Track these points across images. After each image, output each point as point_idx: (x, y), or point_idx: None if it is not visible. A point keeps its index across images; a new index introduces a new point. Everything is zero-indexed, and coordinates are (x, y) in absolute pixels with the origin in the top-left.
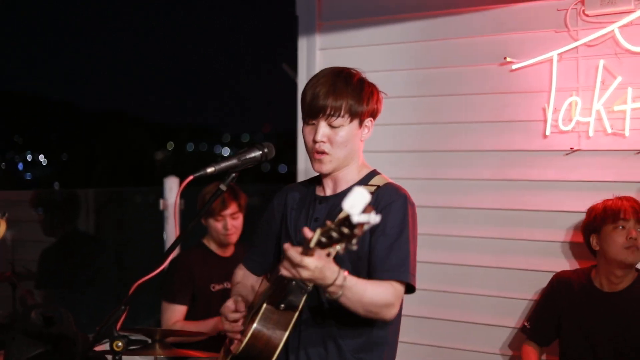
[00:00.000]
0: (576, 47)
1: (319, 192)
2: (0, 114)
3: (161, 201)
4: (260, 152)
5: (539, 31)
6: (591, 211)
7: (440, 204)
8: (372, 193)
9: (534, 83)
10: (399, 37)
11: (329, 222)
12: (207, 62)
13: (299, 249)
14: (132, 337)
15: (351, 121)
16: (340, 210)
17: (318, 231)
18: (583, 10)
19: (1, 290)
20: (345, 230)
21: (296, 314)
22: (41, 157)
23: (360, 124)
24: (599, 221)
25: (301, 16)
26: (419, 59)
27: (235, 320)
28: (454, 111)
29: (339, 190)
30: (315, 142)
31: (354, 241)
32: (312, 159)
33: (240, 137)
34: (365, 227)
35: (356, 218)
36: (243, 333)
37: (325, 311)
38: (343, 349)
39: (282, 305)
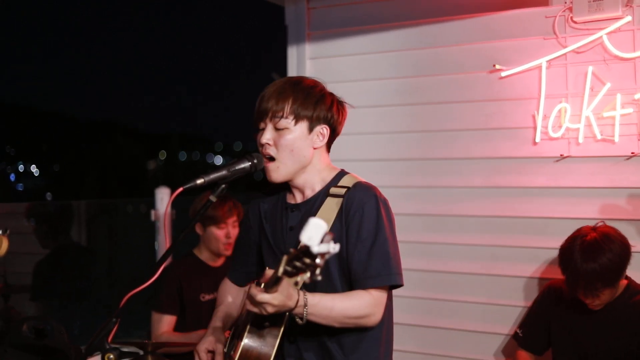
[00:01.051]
0: (565, 54)
1: (290, 199)
2: None
3: (152, 212)
4: (250, 163)
5: (528, 38)
6: (560, 253)
7: (430, 211)
8: (342, 196)
9: (523, 90)
10: (388, 45)
11: (292, 250)
12: (198, 70)
13: (259, 288)
14: (124, 349)
15: (296, 123)
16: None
17: (284, 259)
18: (571, 17)
19: None
20: (308, 260)
21: (282, 329)
22: (33, 168)
23: (310, 129)
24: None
25: (290, 26)
26: (408, 67)
27: (219, 352)
28: (444, 119)
29: (309, 196)
30: (261, 145)
31: (318, 271)
32: (264, 168)
33: (233, 146)
34: (326, 257)
35: (315, 249)
36: (232, 353)
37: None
38: (337, 352)
39: (267, 323)
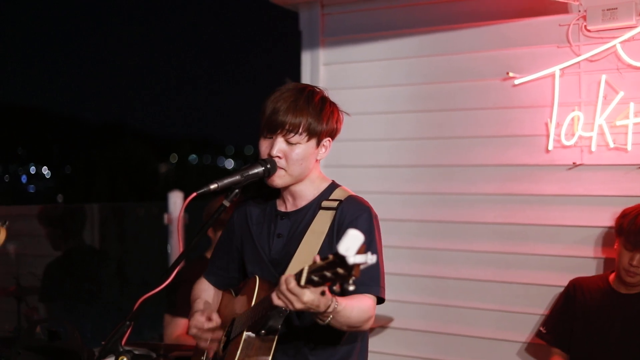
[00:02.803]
0: (578, 62)
1: (280, 206)
2: (4, 126)
3: (165, 215)
4: (263, 168)
5: (541, 46)
6: (623, 214)
7: (442, 218)
8: (335, 209)
9: (536, 98)
10: (402, 52)
11: (318, 261)
12: (210, 74)
13: (294, 278)
14: (137, 352)
15: (309, 140)
16: (303, 228)
17: (306, 269)
18: (585, 26)
19: (6, 304)
20: (341, 271)
21: (276, 338)
22: (44, 170)
23: (318, 143)
24: (618, 230)
25: (304, 31)
26: (421, 74)
27: (211, 330)
28: (457, 126)
29: (300, 205)
30: (270, 156)
31: (351, 281)
32: None
33: (244, 150)
34: (362, 267)
35: (352, 259)
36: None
37: (296, 330)
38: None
39: (263, 331)
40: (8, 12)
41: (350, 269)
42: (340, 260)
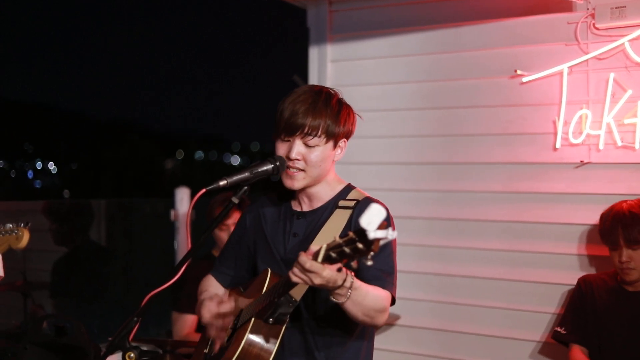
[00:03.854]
0: (586, 60)
1: (295, 207)
2: (11, 122)
3: (172, 212)
4: (272, 166)
5: (550, 44)
6: (600, 217)
7: (450, 216)
8: (352, 208)
9: (544, 96)
10: (410, 49)
11: (337, 239)
12: (217, 71)
13: (309, 256)
14: (144, 348)
15: (327, 142)
16: (319, 226)
17: (324, 247)
18: (593, 24)
19: (12, 300)
20: (361, 246)
21: (284, 327)
22: (51, 165)
23: (335, 145)
24: (599, 233)
25: (312, 28)
26: (429, 71)
27: (223, 315)
28: (465, 124)
29: (316, 206)
30: (289, 159)
31: (370, 256)
32: (284, 174)
33: (250, 146)
34: (382, 242)
35: (372, 234)
36: (230, 347)
37: (303, 324)
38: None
39: (271, 320)
40: (16, 9)
41: (370, 243)
42: (361, 234)
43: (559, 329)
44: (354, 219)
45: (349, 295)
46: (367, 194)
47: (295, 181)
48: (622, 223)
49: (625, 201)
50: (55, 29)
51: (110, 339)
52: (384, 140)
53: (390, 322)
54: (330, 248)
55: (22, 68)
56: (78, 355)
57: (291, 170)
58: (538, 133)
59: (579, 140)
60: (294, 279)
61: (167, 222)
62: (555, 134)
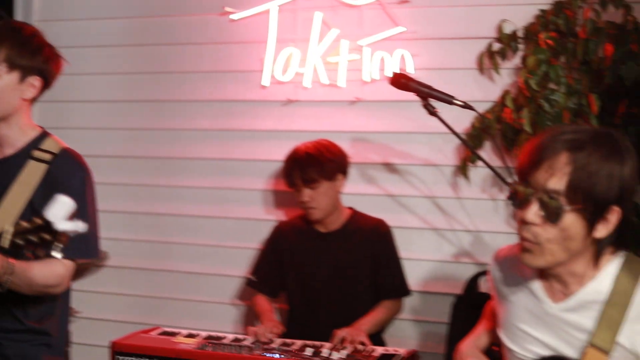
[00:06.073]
0: None
1: None
2: None
3: None
4: None
5: None
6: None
7: (160, 154)
8: (48, 163)
9: (253, 34)
10: None
11: (24, 223)
12: None
13: None
14: None
15: (9, 72)
16: (11, 179)
17: (10, 230)
18: None
19: None
20: (47, 236)
21: None
22: None
23: (22, 78)
24: (283, 177)
25: None
26: (138, 6)
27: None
28: (172, 61)
29: (8, 154)
30: None
31: (57, 247)
32: None
33: None
34: (71, 235)
35: (61, 226)
36: None
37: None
38: (18, 319)
39: None
40: None
41: (55, 234)
42: (47, 225)
43: (250, 276)
44: (50, 175)
45: (10, 280)
46: (64, 143)
47: None
48: (298, 163)
49: (304, 143)
50: None
51: None
52: (93, 77)
53: (96, 264)
54: (16, 233)
55: None
56: None
57: None
58: (246, 71)
59: (286, 79)
60: None
61: None
62: (263, 72)
